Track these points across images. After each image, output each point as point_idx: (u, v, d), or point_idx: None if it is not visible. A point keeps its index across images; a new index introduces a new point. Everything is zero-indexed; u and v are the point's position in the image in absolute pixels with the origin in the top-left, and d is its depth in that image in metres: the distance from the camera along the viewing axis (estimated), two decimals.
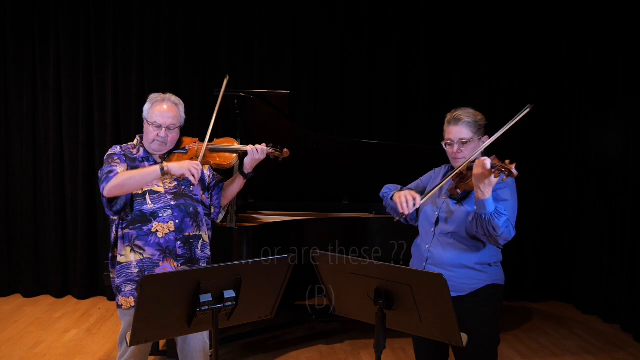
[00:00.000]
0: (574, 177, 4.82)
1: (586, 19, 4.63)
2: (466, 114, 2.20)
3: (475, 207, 2.04)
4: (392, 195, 2.27)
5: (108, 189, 2.30)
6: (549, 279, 5.01)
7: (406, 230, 2.54)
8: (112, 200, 2.36)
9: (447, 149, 2.24)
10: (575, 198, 4.81)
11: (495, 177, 1.92)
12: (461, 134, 2.18)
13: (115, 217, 2.41)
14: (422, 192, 2.31)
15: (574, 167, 4.83)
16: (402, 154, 3.96)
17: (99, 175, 2.38)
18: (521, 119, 2.07)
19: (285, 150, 2.58)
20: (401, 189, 2.34)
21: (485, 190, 1.99)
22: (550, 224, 4.96)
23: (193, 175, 2.30)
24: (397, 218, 2.21)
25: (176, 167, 2.32)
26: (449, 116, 2.24)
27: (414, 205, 2.13)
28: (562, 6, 4.79)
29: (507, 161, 1.94)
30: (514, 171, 1.90)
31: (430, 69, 4.96)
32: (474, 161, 2.07)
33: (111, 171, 2.33)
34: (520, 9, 4.86)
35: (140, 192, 2.39)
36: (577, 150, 4.78)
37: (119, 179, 2.30)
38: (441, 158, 4.03)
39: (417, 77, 4.97)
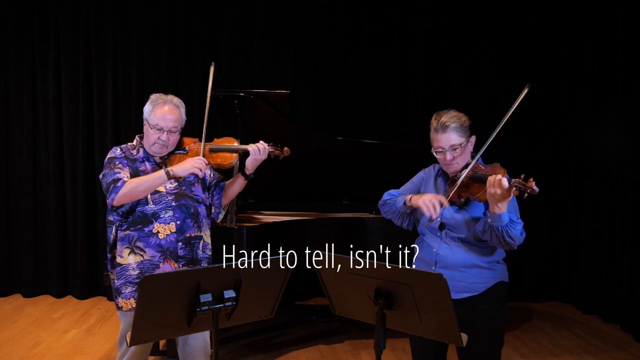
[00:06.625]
0: (574, 177, 4.82)
1: (585, 19, 4.63)
2: (452, 120, 2.14)
3: (489, 220, 1.98)
4: (406, 200, 2.20)
5: (118, 199, 2.29)
6: (548, 278, 5.01)
7: (406, 230, 2.53)
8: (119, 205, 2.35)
9: (439, 156, 2.18)
10: (575, 198, 4.81)
11: (514, 194, 1.84)
12: (451, 140, 2.12)
13: (117, 220, 2.39)
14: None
15: (574, 167, 4.83)
16: (402, 154, 3.95)
17: (102, 181, 2.36)
18: (520, 103, 2.03)
19: (286, 148, 2.55)
20: (416, 194, 2.27)
21: (503, 207, 1.93)
22: (550, 223, 4.95)
23: (200, 169, 2.31)
24: (399, 223, 2.26)
25: (181, 169, 2.31)
26: (434, 123, 2.17)
27: (442, 207, 2.06)
28: (562, 7, 4.79)
29: (522, 176, 1.85)
30: (535, 188, 1.80)
31: (430, 69, 4.96)
32: (478, 172, 2.01)
33: (117, 180, 2.31)
34: (520, 10, 4.86)
35: None
36: (577, 150, 4.78)
37: (127, 188, 2.28)
38: None
39: (417, 77, 4.97)
